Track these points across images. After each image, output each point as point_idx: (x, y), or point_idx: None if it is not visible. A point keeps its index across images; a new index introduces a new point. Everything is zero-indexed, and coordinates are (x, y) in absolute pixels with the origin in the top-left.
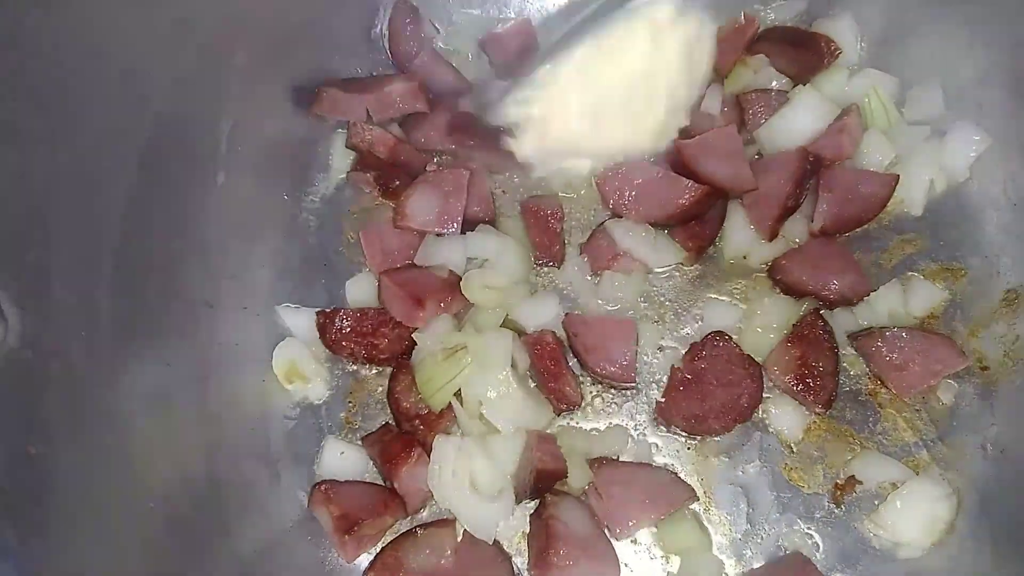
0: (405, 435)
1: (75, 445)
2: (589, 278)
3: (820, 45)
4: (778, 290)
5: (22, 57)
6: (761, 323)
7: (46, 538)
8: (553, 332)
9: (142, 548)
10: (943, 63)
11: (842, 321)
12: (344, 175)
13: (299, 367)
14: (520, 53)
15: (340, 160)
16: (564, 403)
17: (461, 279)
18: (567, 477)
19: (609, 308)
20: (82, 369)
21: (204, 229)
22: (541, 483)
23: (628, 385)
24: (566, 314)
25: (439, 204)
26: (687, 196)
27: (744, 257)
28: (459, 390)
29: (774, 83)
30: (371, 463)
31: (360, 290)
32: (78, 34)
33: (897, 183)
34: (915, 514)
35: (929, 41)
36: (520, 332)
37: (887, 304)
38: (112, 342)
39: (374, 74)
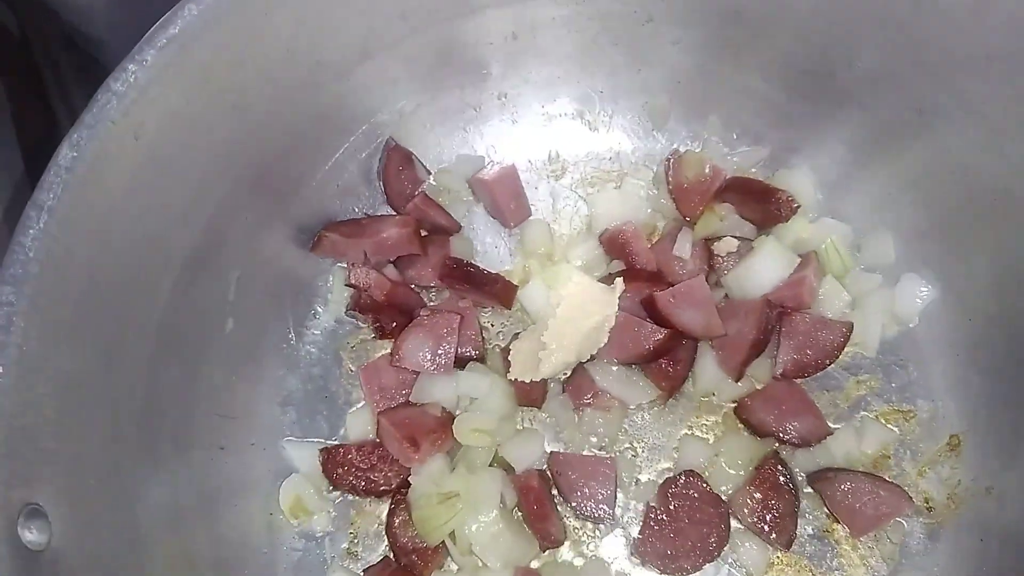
0: (404, 569)
1: None
2: (572, 411)
3: (780, 200)
4: (744, 428)
5: None
6: (727, 460)
7: None
8: (539, 473)
9: None
10: (892, 213)
11: (802, 460)
12: (343, 309)
13: (304, 503)
14: (506, 198)
15: (339, 294)
16: (549, 542)
17: (453, 416)
18: None
19: (592, 440)
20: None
21: (213, 376)
22: None
23: (607, 521)
24: (551, 452)
25: (432, 347)
26: (653, 339)
27: (713, 394)
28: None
29: (739, 231)
30: None
31: (360, 423)
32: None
33: (851, 332)
34: None
35: (878, 191)
36: (509, 467)
37: (842, 447)
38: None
39: (370, 213)
